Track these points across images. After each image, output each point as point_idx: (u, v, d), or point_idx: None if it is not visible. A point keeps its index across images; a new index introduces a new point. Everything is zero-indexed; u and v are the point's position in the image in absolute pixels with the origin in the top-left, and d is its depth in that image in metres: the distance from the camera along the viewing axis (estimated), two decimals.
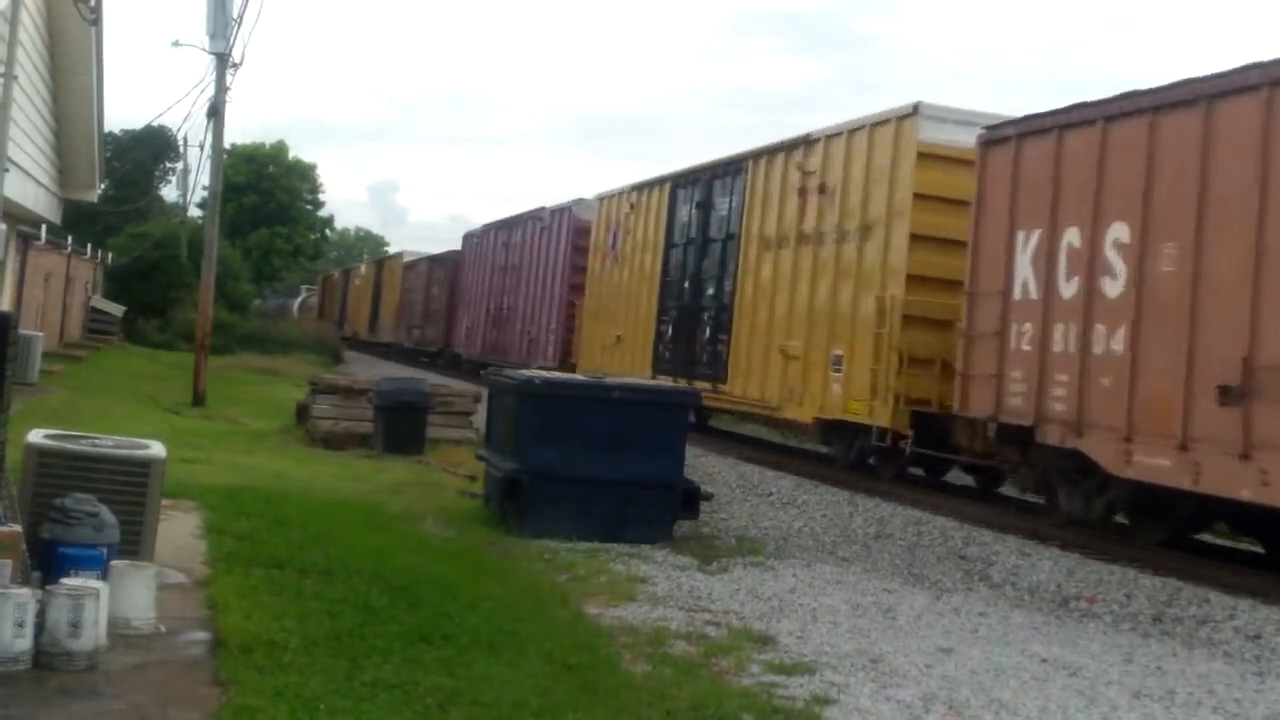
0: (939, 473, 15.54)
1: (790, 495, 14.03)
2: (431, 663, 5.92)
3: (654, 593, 8.80)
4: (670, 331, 20.21)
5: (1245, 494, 9.43)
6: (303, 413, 17.58)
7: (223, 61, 23.42)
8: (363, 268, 58.94)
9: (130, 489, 6.66)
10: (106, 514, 6.14)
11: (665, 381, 18.31)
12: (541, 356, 26.33)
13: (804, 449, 18.45)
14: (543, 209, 28.28)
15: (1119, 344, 10.82)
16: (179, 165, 53.41)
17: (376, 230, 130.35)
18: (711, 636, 7.57)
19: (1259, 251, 9.51)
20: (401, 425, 16.05)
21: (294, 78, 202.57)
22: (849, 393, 14.72)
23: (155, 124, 54.96)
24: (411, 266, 44.65)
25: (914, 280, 13.97)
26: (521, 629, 6.91)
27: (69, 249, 32.08)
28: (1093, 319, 11.17)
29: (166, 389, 24.26)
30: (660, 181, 21.39)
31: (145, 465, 6.81)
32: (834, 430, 15.72)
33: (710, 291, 18.88)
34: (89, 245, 37.73)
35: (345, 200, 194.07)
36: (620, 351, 22.04)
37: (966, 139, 13.55)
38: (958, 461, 14.48)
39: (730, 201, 18.41)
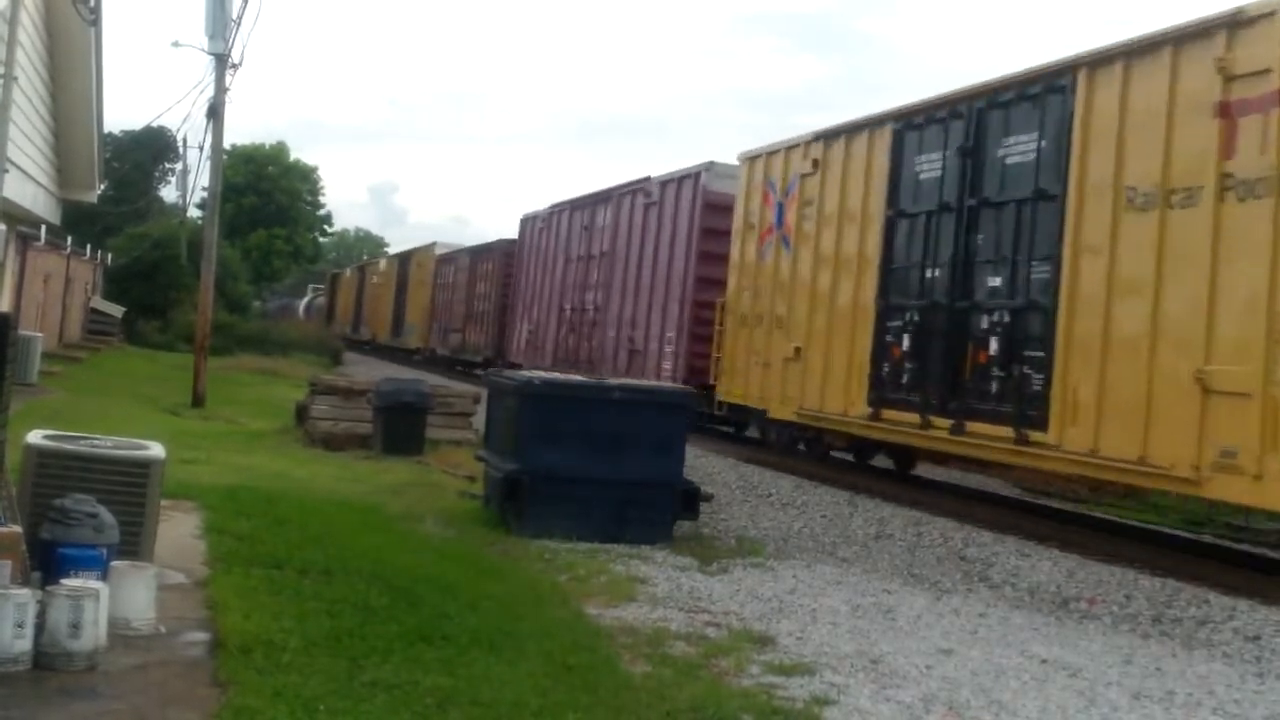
0: None
1: (790, 496, 14.03)
2: (431, 663, 5.91)
3: (654, 593, 8.80)
4: (907, 344, 13.52)
5: None
6: (302, 413, 17.57)
7: (222, 62, 23.42)
8: (382, 263, 52.79)
9: (130, 490, 6.65)
10: (106, 515, 6.13)
11: (902, 418, 13.39)
12: (654, 373, 19.94)
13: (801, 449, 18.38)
14: (648, 179, 21.90)
15: None
16: (178, 166, 53.46)
17: (376, 231, 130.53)
18: (711, 637, 7.57)
19: None
20: (401, 426, 16.04)
21: (293, 78, 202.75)
22: None
23: (155, 125, 55.38)
24: (448, 260, 38.71)
25: None
26: (521, 629, 6.91)
27: (68, 250, 32.14)
28: None
29: (166, 390, 24.25)
30: (870, 125, 14.75)
31: (145, 466, 6.80)
32: None
33: (996, 282, 12.28)
34: (88, 246, 37.79)
35: (345, 201, 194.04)
36: (801, 371, 15.47)
37: None
38: None
39: (1039, 140, 11.93)
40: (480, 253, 34.92)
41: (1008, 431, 11.68)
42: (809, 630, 7.95)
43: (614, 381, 12.45)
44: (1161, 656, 7.94)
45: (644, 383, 14.90)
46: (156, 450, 6.99)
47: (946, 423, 12.62)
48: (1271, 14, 9.47)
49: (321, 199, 77.00)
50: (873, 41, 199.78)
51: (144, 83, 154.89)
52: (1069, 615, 9.17)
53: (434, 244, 42.19)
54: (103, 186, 25.06)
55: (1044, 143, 11.83)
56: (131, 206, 49.62)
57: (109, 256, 44.48)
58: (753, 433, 18.48)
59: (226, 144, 31.55)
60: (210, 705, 4.99)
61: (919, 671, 7.06)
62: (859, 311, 14.38)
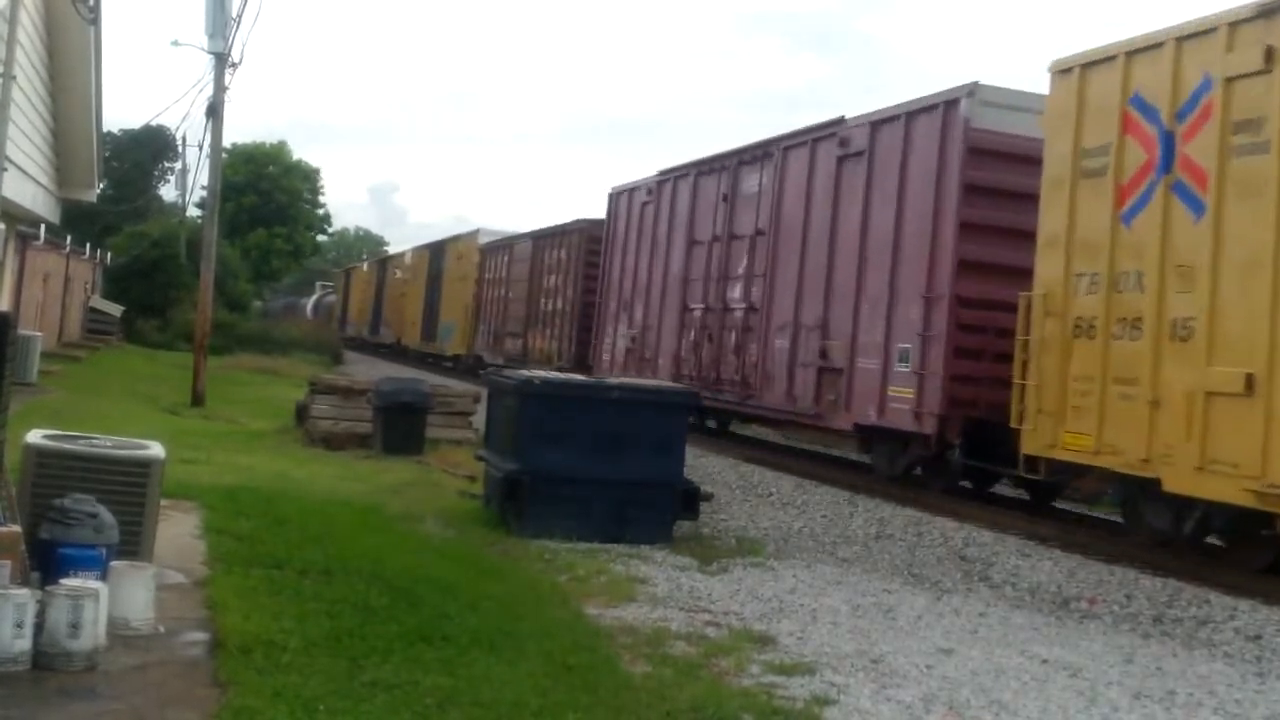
0: None
1: (790, 495, 14.02)
2: (431, 663, 5.90)
3: (654, 593, 8.79)
4: None
5: None
6: (302, 413, 17.56)
7: (221, 61, 23.42)
8: (407, 257, 45.64)
9: (129, 489, 6.64)
10: (106, 514, 6.12)
11: None
12: (874, 402, 14.11)
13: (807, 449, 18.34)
14: (841, 120, 15.71)
15: None
16: (178, 165, 53.27)
17: (376, 230, 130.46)
18: (711, 637, 7.56)
19: None
20: (401, 425, 16.03)
21: (294, 78, 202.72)
22: None
23: (154, 123, 55.07)
24: (499, 248, 32.20)
25: None
26: (521, 629, 6.90)
27: (68, 249, 32.15)
28: None
29: (165, 389, 24.24)
30: None
31: (144, 465, 6.79)
32: None
33: None
34: (88, 245, 37.81)
35: (345, 200, 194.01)
36: (1264, 416, 9.11)
37: None
38: None
39: None
40: (547, 237, 27.99)
41: None
42: (809, 630, 7.94)
43: (613, 381, 12.44)
44: (1162, 656, 7.93)
45: (644, 382, 14.83)
46: (156, 450, 6.98)
47: None
48: None
49: (321, 199, 76.96)
50: (873, 41, 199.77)
51: (143, 82, 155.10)
52: (1069, 615, 9.17)
53: (477, 230, 35.41)
54: (102, 185, 25.12)
55: None
56: (131, 205, 49.70)
57: (108, 255, 44.50)
58: (1096, 510, 13.38)
59: (226, 143, 31.61)
60: (210, 705, 4.98)
61: (919, 671, 7.05)
62: None
